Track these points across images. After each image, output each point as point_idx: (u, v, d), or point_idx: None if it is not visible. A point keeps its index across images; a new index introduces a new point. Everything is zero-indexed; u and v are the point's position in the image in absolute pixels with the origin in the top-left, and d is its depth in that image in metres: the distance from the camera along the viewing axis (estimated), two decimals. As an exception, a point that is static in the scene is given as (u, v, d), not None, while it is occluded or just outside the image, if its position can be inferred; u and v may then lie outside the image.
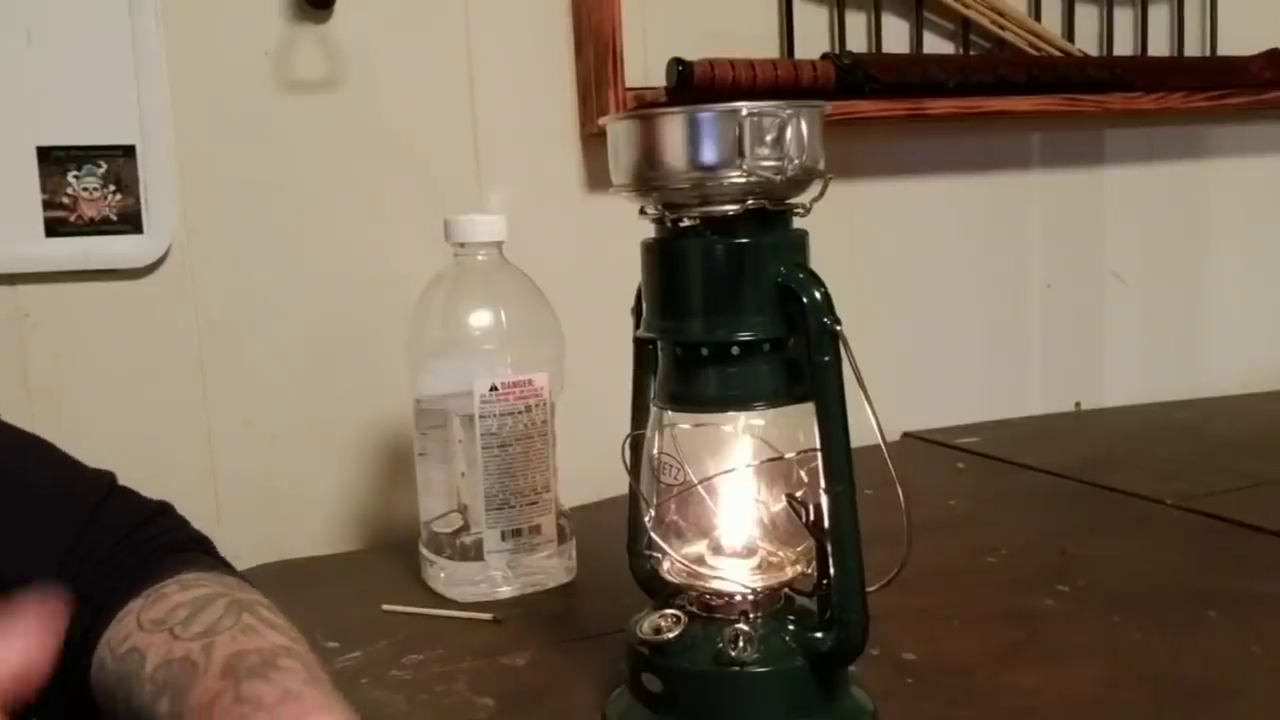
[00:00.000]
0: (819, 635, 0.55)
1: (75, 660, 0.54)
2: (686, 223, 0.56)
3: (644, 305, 0.59)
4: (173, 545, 0.60)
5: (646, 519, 0.60)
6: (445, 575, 0.80)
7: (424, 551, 0.82)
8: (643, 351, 0.63)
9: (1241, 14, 1.30)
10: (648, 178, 0.55)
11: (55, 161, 0.87)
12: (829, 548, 0.55)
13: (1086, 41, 1.23)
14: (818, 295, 0.54)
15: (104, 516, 0.59)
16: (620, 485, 0.64)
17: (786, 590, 0.59)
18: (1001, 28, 1.17)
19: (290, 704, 0.46)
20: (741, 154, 0.53)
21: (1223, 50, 1.29)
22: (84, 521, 0.58)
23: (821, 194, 0.57)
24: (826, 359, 0.54)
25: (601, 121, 0.60)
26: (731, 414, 0.57)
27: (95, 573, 0.56)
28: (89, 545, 0.57)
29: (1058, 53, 1.19)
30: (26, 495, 0.58)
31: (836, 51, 1.10)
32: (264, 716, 0.45)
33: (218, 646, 0.51)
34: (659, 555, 0.60)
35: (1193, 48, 1.29)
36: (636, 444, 0.63)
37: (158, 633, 0.53)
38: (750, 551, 0.59)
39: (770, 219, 0.56)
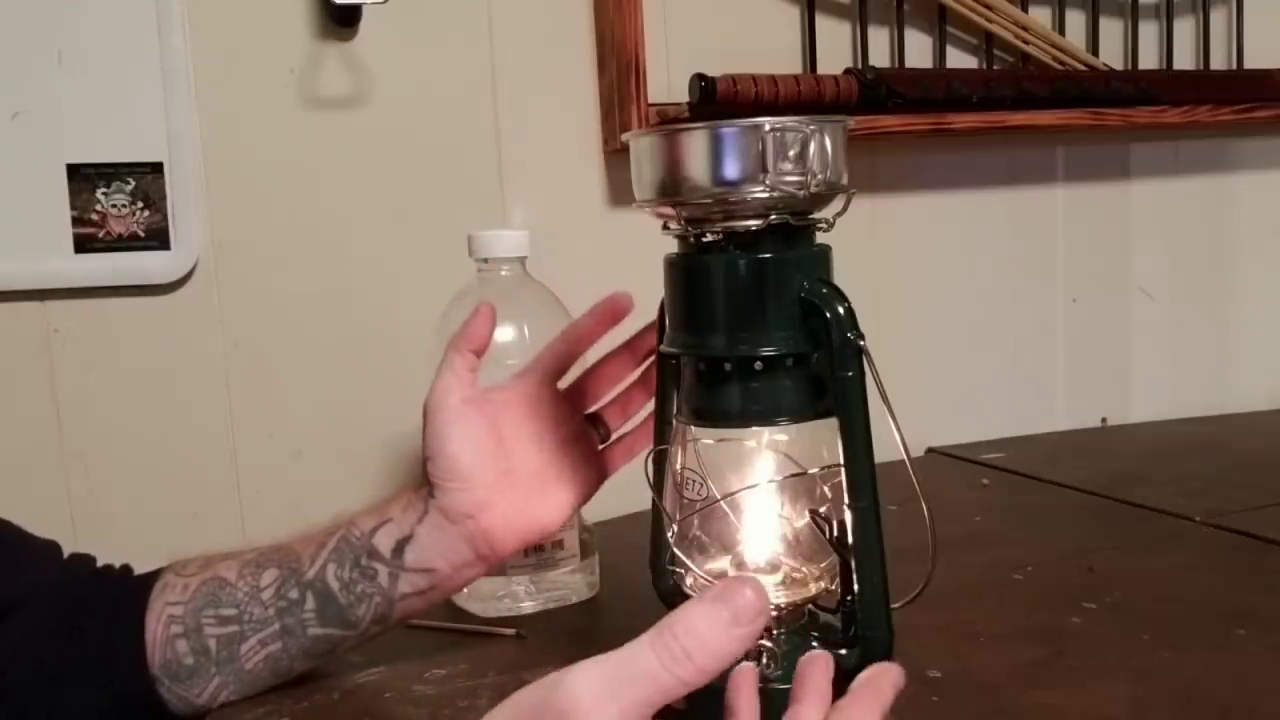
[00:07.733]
0: (843, 652, 0.55)
1: (120, 659, 0.61)
2: (709, 238, 0.56)
3: (667, 320, 0.59)
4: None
5: (669, 534, 0.60)
6: (468, 590, 0.80)
7: (447, 566, 0.82)
8: (665, 366, 0.63)
9: (1268, 27, 1.29)
10: (671, 193, 0.55)
11: (84, 178, 0.88)
12: (853, 564, 0.54)
13: (1111, 55, 1.22)
14: (841, 310, 0.54)
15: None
16: (643, 500, 0.64)
17: (810, 606, 0.59)
18: (1025, 42, 1.17)
19: None
20: (765, 169, 0.53)
21: (1249, 63, 1.28)
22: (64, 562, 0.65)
23: (845, 209, 0.57)
24: (850, 374, 0.53)
25: (624, 137, 0.60)
26: (755, 429, 0.57)
27: (98, 596, 0.63)
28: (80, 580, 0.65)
29: (1082, 67, 1.19)
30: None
31: (859, 66, 1.10)
32: None
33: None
34: (682, 571, 0.60)
35: (1219, 61, 1.28)
36: (659, 459, 0.63)
37: (216, 563, 0.62)
38: (774, 567, 0.59)
39: (793, 234, 0.56)
